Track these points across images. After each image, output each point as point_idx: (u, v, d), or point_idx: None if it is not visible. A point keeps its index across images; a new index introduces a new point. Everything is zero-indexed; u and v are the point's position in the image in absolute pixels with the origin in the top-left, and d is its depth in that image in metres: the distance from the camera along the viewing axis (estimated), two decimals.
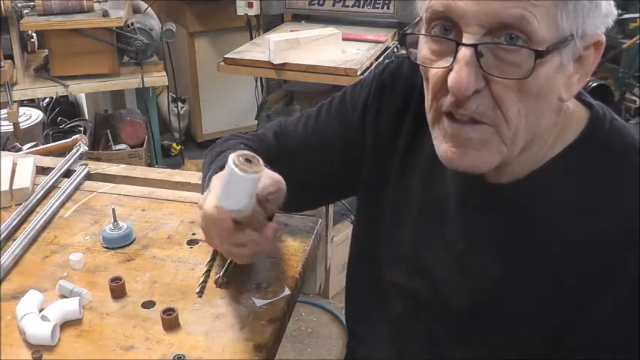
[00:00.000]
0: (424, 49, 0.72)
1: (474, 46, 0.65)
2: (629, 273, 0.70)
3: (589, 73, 0.71)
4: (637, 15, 2.89)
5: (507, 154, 0.71)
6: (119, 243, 1.04)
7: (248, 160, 0.76)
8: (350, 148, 0.95)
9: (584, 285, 0.73)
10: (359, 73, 2.21)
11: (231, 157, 0.75)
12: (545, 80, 0.67)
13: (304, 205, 1.08)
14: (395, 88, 0.91)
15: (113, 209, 1.05)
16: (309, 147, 0.98)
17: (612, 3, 0.69)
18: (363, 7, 2.74)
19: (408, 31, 0.74)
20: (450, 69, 0.67)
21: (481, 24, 0.65)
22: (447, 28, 0.68)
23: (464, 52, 0.65)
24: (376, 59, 2.39)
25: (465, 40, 0.66)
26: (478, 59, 0.65)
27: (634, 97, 3.24)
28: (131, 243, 1.04)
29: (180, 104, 3.67)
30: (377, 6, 2.70)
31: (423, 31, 0.72)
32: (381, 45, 2.49)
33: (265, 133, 1.02)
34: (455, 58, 0.66)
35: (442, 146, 0.73)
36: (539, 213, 0.76)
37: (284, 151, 0.98)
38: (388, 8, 2.68)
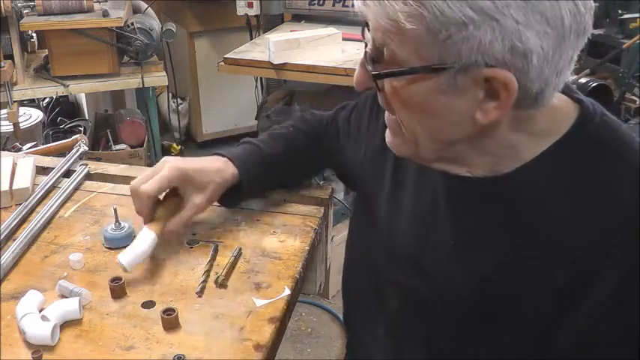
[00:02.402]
0: None
1: (365, 51, 0.73)
2: (616, 267, 0.70)
3: (505, 106, 0.69)
4: (637, 15, 2.88)
5: (419, 151, 0.77)
6: (121, 243, 1.03)
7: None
8: (353, 144, 1.05)
9: (573, 279, 0.73)
10: None
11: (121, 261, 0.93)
12: (424, 98, 0.70)
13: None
14: None
15: (115, 209, 1.05)
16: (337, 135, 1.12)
17: (529, 38, 0.64)
18: None
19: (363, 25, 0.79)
20: None
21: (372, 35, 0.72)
22: None
23: (362, 54, 0.74)
24: None
25: (367, 45, 0.73)
26: (370, 64, 0.72)
27: (634, 97, 3.23)
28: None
29: (179, 100, 3.67)
30: None
31: None
32: None
33: (324, 116, 1.17)
34: None
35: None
36: (527, 206, 0.76)
37: (325, 139, 1.14)
38: None
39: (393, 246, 0.91)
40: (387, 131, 0.81)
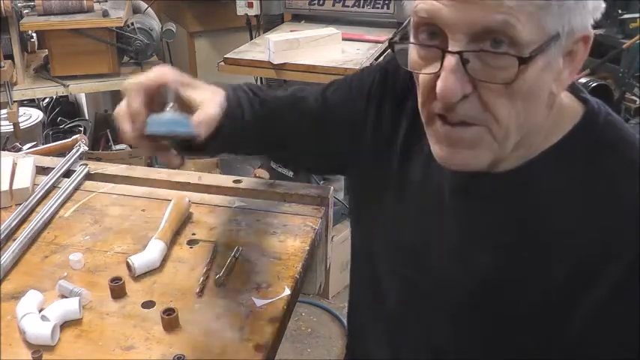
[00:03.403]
0: (413, 54, 0.73)
1: (460, 53, 0.66)
2: (617, 267, 0.70)
3: (578, 67, 0.71)
4: (637, 15, 2.89)
5: (500, 152, 0.73)
6: (173, 127, 0.81)
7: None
8: (351, 132, 0.97)
9: (574, 279, 0.73)
10: None
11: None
12: (533, 81, 0.68)
13: (304, 167, 1.20)
14: (397, 81, 0.92)
15: (168, 89, 0.84)
16: (314, 118, 1.00)
17: None
18: (363, 7, 2.74)
19: (395, 40, 0.75)
20: (438, 75, 0.68)
21: (465, 31, 0.66)
22: (434, 32, 0.69)
23: (449, 60, 0.67)
24: (376, 59, 2.39)
25: (450, 48, 0.67)
26: (464, 66, 0.66)
27: (634, 97, 3.24)
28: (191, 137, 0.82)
29: None
30: (377, 6, 2.71)
31: (411, 34, 0.73)
32: (380, 45, 2.49)
33: (280, 96, 1.05)
34: (442, 65, 0.67)
35: (435, 147, 0.75)
36: (531, 203, 0.77)
37: (292, 115, 1.01)
38: (388, 8, 2.68)
39: (396, 242, 0.91)
40: (443, 149, 0.74)
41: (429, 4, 0.67)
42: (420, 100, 0.75)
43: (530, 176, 0.76)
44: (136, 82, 0.82)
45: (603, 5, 0.70)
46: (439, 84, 0.67)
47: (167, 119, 0.81)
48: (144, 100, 0.81)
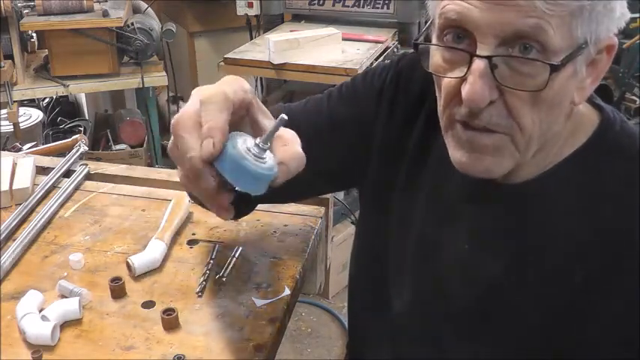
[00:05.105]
0: (436, 57, 0.71)
1: (489, 57, 0.65)
2: (629, 276, 0.70)
3: (601, 76, 0.70)
4: (637, 15, 2.89)
5: (521, 159, 0.72)
6: (255, 183, 0.62)
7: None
8: (360, 136, 0.92)
9: (588, 286, 0.73)
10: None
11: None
12: (559, 89, 0.67)
13: (302, 194, 1.04)
14: (411, 81, 0.89)
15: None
16: (320, 128, 0.92)
17: (625, 4, 0.68)
18: (363, 7, 2.74)
19: (419, 41, 0.73)
20: (463, 79, 0.66)
21: (496, 34, 0.64)
22: (460, 35, 0.68)
23: (478, 64, 0.65)
24: (376, 59, 2.39)
25: (479, 52, 0.65)
26: (492, 71, 0.65)
27: (634, 97, 3.24)
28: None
29: (179, 100, 3.67)
30: (377, 6, 2.70)
31: (434, 36, 0.71)
32: (381, 45, 2.49)
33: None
34: (469, 69, 0.66)
35: (456, 153, 0.73)
36: (549, 212, 0.76)
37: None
38: (388, 8, 2.68)
39: (404, 244, 0.90)
40: (465, 155, 0.72)
41: (460, 6, 0.65)
42: (441, 104, 0.73)
43: (549, 185, 0.76)
44: (219, 91, 0.70)
45: (628, 14, 0.69)
46: (466, 89, 0.66)
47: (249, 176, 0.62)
48: (228, 119, 0.66)
